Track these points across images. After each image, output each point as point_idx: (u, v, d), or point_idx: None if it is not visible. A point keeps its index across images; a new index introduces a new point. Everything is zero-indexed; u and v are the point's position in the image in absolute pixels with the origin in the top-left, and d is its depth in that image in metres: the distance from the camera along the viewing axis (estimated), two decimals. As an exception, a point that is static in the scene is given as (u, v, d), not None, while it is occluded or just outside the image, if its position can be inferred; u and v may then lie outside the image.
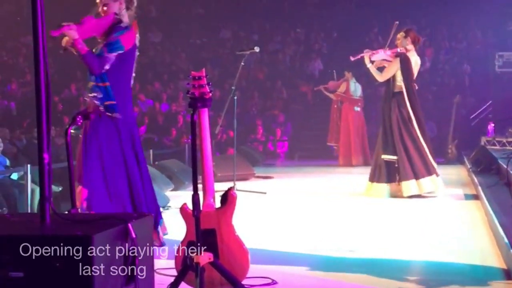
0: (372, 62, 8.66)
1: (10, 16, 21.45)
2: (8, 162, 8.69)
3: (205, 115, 4.04)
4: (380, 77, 8.66)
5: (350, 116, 14.28)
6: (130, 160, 5.00)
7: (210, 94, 3.92)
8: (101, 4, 5.04)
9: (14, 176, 8.27)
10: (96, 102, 4.88)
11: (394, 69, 8.48)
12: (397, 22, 8.79)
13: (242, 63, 9.21)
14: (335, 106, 14.54)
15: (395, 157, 8.42)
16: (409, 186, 8.31)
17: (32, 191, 7.19)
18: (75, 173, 4.80)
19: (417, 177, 8.32)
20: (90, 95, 4.90)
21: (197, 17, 22.87)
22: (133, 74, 5.10)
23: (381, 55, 8.67)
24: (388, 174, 8.51)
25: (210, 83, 3.94)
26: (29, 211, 7.08)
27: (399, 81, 8.47)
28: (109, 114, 4.86)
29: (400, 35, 8.58)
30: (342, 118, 14.31)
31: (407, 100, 8.41)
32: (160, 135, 15.72)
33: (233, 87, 9.12)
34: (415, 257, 5.11)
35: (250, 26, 22.15)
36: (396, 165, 8.41)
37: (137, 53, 5.10)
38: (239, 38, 21.61)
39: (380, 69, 8.76)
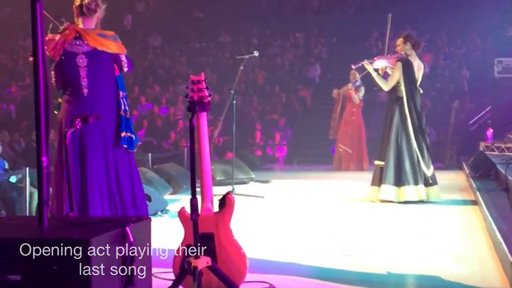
0: (375, 70, 8.63)
1: (9, 19, 21.47)
2: (7, 165, 8.69)
3: (203, 119, 4.05)
4: (386, 86, 8.54)
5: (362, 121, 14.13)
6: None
7: (209, 98, 3.93)
8: None
9: (13, 179, 8.29)
10: None
11: (398, 75, 8.38)
12: (390, 15, 8.92)
13: (241, 67, 9.24)
14: (353, 109, 13.92)
15: (382, 163, 8.40)
16: (386, 190, 8.27)
17: (31, 194, 7.20)
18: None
19: (399, 184, 8.26)
20: None
21: (196, 21, 22.89)
22: (84, 79, 4.74)
23: (383, 61, 8.62)
24: (377, 178, 8.49)
25: (209, 87, 3.95)
26: (27, 214, 7.08)
27: (402, 86, 8.42)
28: None
29: (399, 41, 8.55)
30: (359, 123, 14.01)
31: (406, 106, 8.35)
32: (159, 138, 15.72)
33: (232, 91, 9.12)
34: (413, 263, 5.10)
35: (250, 30, 22.16)
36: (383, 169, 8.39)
37: (80, 59, 4.76)
38: (239, 42, 21.62)
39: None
